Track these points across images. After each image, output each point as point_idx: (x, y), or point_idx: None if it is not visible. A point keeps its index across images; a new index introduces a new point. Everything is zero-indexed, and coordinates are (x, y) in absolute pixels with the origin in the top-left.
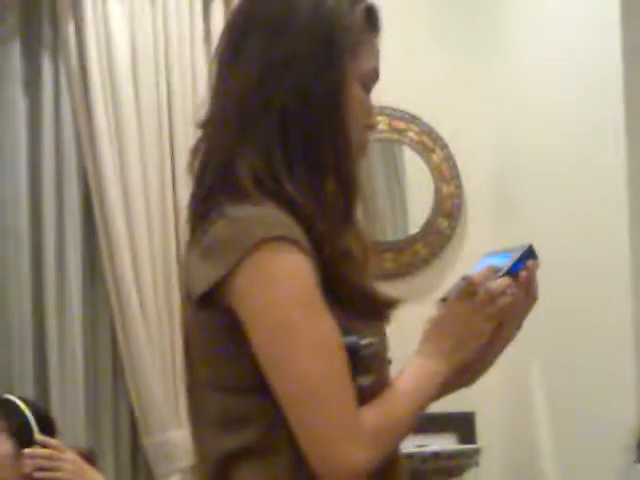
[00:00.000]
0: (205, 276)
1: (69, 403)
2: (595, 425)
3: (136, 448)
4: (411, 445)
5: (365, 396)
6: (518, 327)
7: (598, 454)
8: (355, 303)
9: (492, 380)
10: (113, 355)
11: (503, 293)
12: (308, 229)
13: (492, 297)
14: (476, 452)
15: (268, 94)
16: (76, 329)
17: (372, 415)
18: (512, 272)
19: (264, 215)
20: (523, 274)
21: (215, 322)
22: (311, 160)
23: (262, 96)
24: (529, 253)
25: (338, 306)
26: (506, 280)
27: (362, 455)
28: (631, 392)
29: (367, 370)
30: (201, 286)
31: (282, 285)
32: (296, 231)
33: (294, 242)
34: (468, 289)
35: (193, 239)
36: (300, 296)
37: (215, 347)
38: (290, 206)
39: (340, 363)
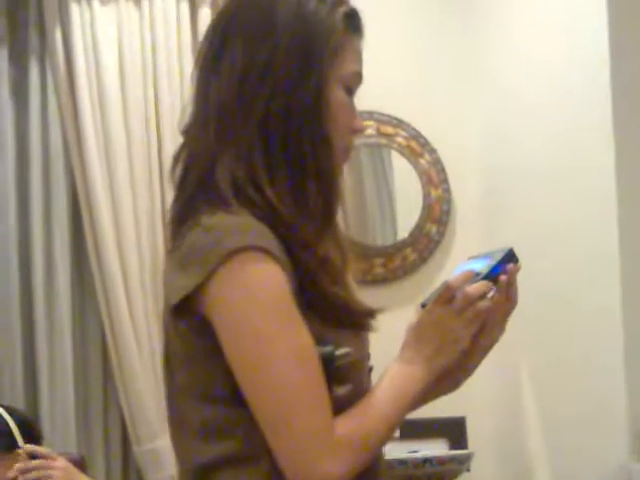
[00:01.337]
0: (180, 285)
1: (60, 410)
2: (587, 427)
3: (127, 455)
4: (402, 451)
5: (342, 406)
6: (500, 331)
7: (590, 456)
8: (331, 313)
9: (482, 384)
10: (103, 363)
11: (482, 297)
12: (287, 236)
13: (470, 301)
14: (467, 457)
15: (249, 99)
16: (66, 338)
17: (347, 426)
18: (492, 275)
19: (238, 224)
20: (502, 278)
21: (191, 331)
22: (292, 165)
23: (243, 101)
24: (510, 256)
25: (315, 315)
26: (484, 284)
27: (336, 468)
28: (622, 394)
29: (344, 380)
30: (176, 295)
31: (255, 295)
32: (271, 241)
33: (267, 252)
34: (445, 294)
35: (172, 245)
36: (274, 306)
37: (192, 356)
38: (270, 213)
39: (314, 374)
